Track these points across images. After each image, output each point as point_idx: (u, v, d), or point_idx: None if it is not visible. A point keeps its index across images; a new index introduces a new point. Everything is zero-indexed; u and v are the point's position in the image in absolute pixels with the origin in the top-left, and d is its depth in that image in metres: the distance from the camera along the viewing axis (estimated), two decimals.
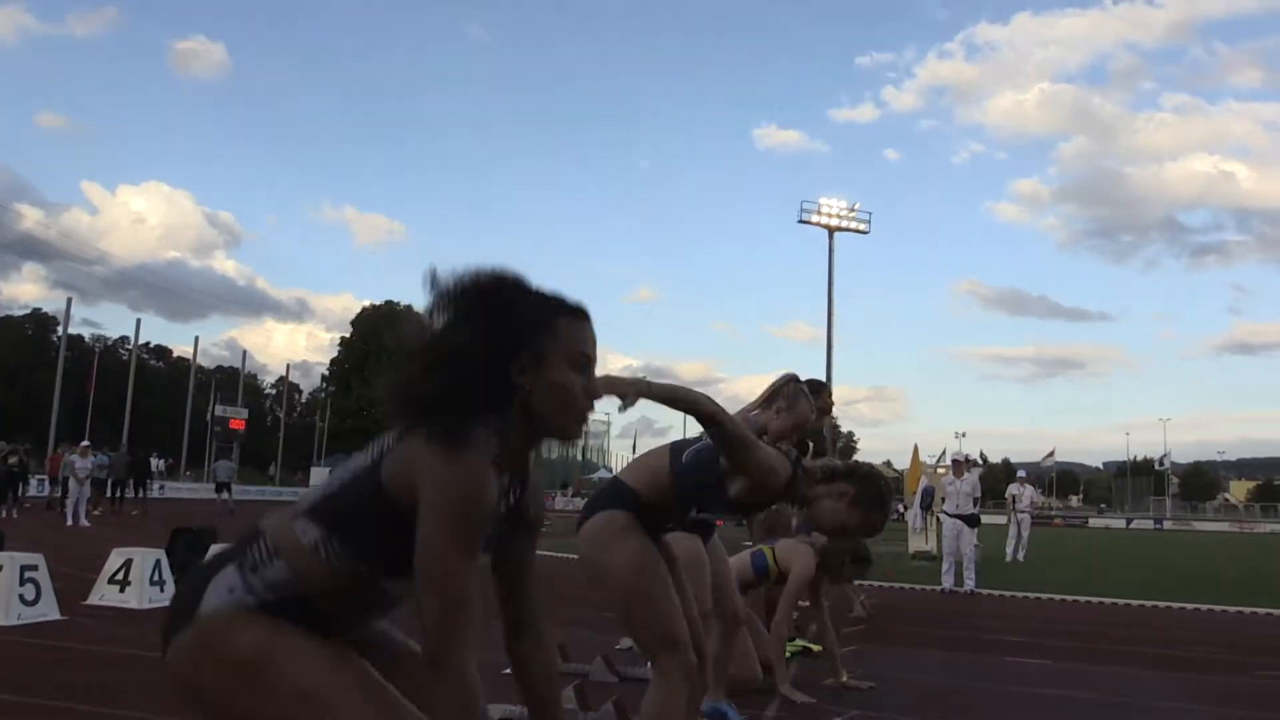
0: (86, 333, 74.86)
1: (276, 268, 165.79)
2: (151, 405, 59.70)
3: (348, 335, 73.06)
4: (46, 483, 24.11)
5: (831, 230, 43.73)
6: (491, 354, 1.67)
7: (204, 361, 67.45)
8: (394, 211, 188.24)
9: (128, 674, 4.94)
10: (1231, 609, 10.25)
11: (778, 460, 2.87)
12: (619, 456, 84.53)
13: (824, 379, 6.07)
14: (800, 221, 43.89)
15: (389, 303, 72.49)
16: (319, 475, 48.36)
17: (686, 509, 3.17)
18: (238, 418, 48.22)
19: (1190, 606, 10.47)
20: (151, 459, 29.14)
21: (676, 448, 3.13)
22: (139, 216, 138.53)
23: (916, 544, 16.17)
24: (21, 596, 6.20)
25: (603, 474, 75.95)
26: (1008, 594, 11.32)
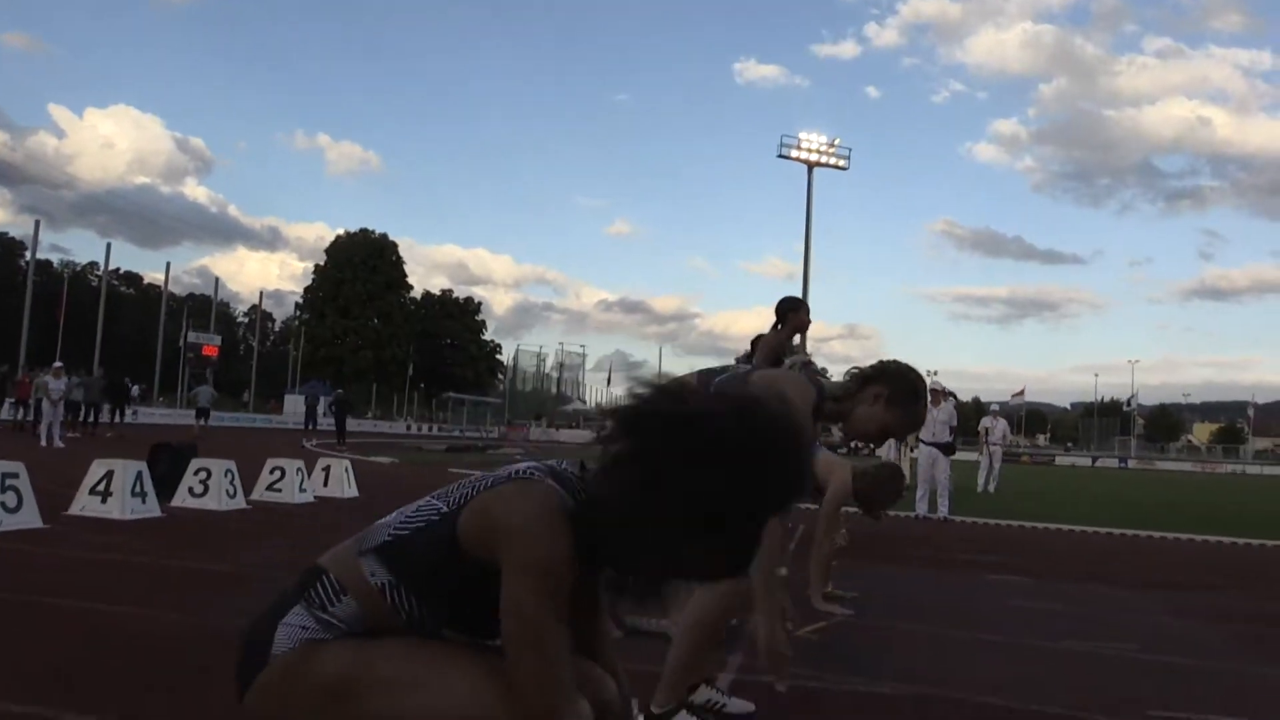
0: (55, 258, 73.70)
1: (249, 195, 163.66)
2: (122, 332, 58.96)
3: (322, 264, 72.17)
4: (19, 408, 23.84)
5: (811, 165, 43.50)
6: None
7: (175, 289, 66.59)
8: (368, 140, 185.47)
9: (115, 575, 4.95)
10: (1197, 537, 10.56)
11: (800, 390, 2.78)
12: (594, 389, 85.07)
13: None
14: (780, 156, 43.61)
15: (364, 231, 71.77)
16: (293, 403, 48.29)
17: None
18: (211, 344, 47.73)
19: (1157, 535, 10.73)
20: (127, 382, 28.89)
21: (704, 376, 3.10)
22: (107, 141, 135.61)
23: None
24: (3, 504, 6.17)
25: (577, 405, 76.41)
26: (980, 521, 11.54)
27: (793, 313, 5.97)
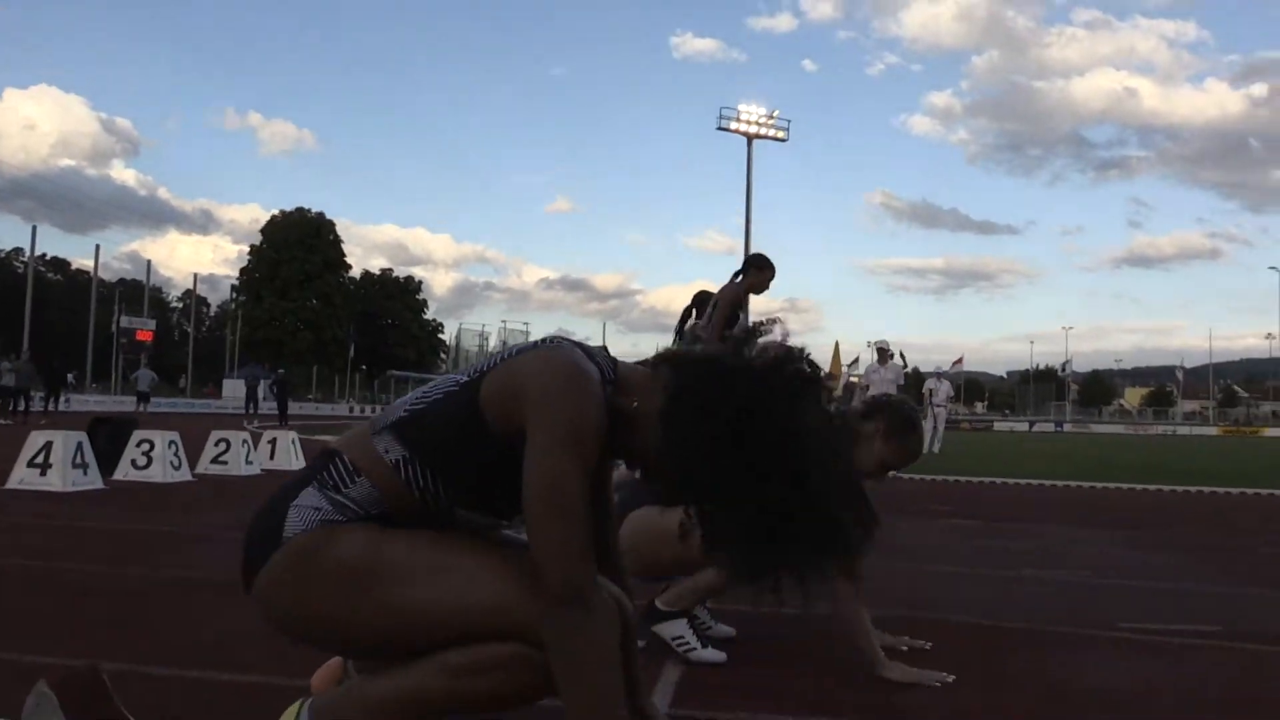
0: None
1: (179, 177, 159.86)
2: (51, 319, 57.39)
3: (257, 244, 70.67)
4: None
5: (750, 138, 43.52)
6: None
7: (105, 275, 64.84)
8: (302, 119, 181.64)
9: (66, 538, 4.81)
10: (1137, 486, 10.89)
11: None
12: None
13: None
14: (719, 129, 43.56)
15: (300, 210, 70.35)
16: (232, 387, 47.37)
17: None
18: (145, 329, 46.64)
19: (1096, 485, 11.02)
20: (56, 367, 28.00)
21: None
22: (29, 122, 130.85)
23: None
24: None
25: None
26: (928, 477, 11.72)
27: (757, 270, 5.98)
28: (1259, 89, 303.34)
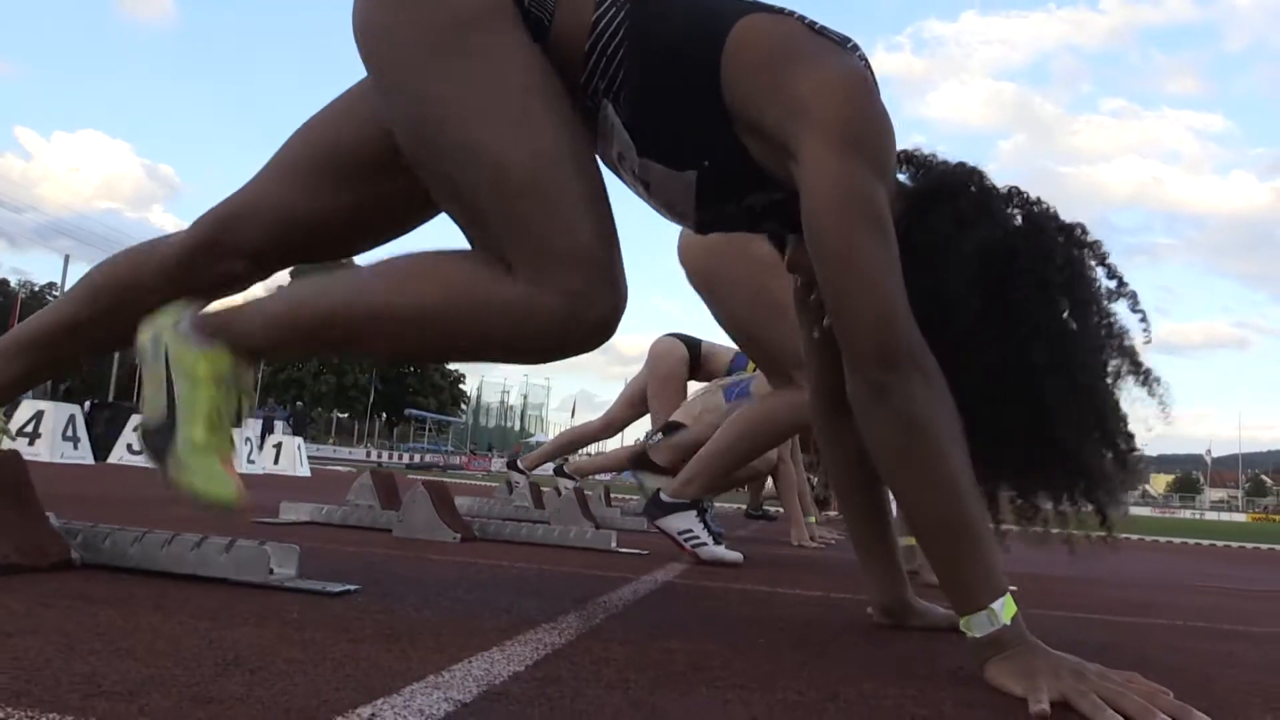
0: (14, 279, 72.35)
1: None
2: None
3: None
4: None
5: None
6: None
7: None
8: None
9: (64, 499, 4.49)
10: (1176, 540, 10.36)
11: None
12: (556, 426, 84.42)
13: None
14: None
15: None
16: (250, 426, 47.01)
17: None
18: None
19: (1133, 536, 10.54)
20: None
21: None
22: (75, 165, 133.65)
23: None
24: None
25: (541, 438, 75.70)
26: None
27: None
28: None
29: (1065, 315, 1.26)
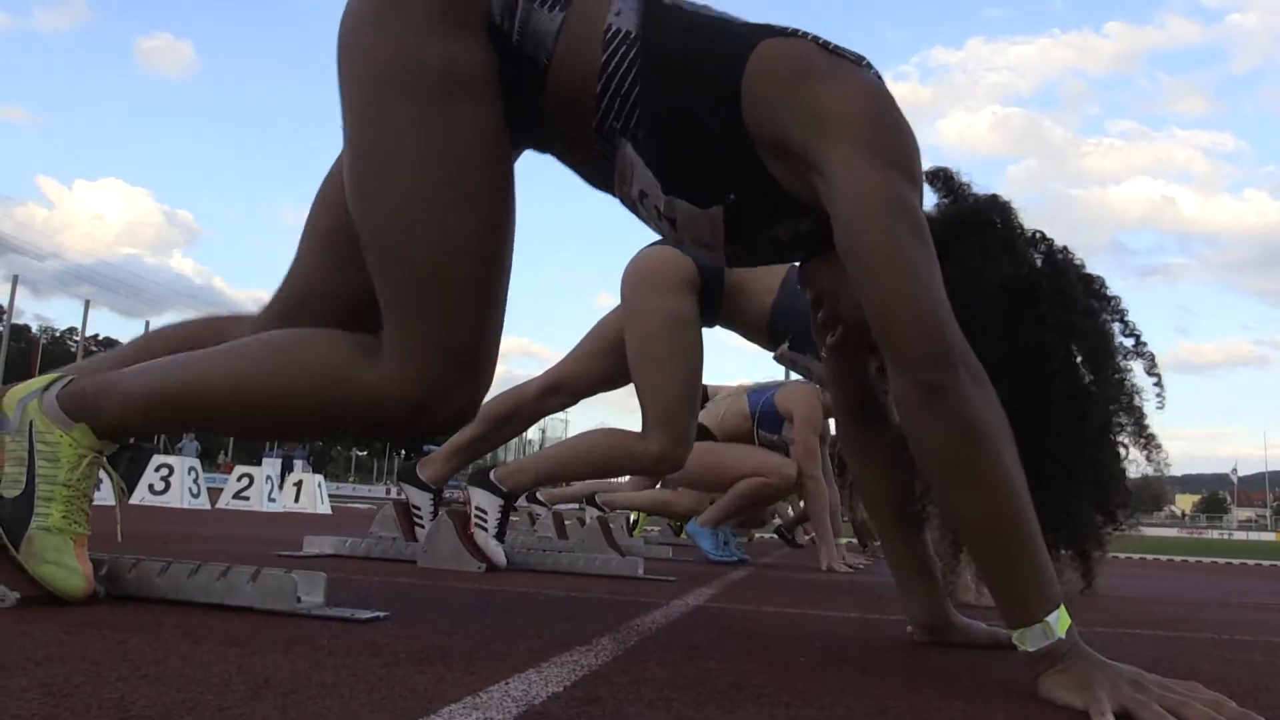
0: (35, 325, 73.21)
1: (235, 267, 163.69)
2: None
3: None
4: None
5: None
6: None
7: None
8: None
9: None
10: (1205, 559, 10.20)
11: None
12: None
13: None
14: None
15: None
16: (270, 465, 47.17)
17: None
18: None
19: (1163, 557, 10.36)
20: None
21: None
22: (96, 213, 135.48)
23: None
24: None
25: None
26: None
27: None
28: None
29: (1080, 363, 1.25)
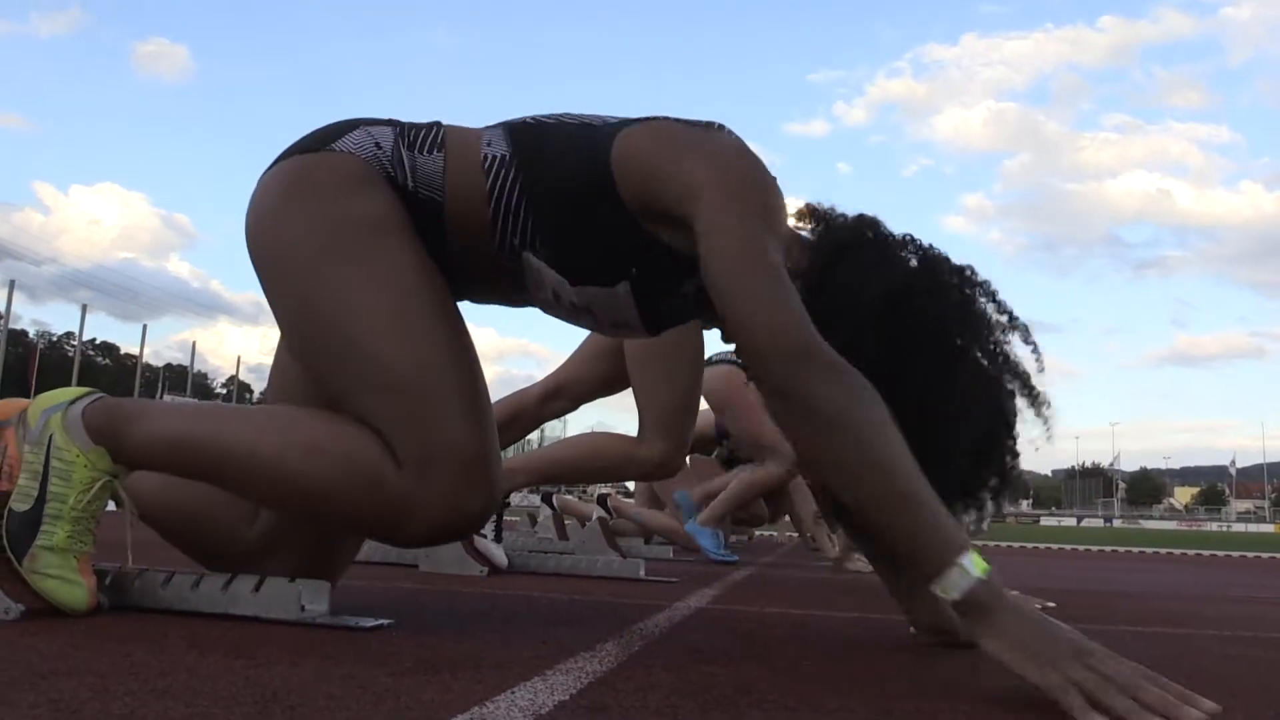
0: (32, 330, 73.09)
1: (233, 270, 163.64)
2: None
3: None
4: None
5: None
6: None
7: (155, 361, 66.00)
8: None
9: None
10: (1219, 553, 10.22)
11: None
12: None
13: None
14: None
15: None
16: None
17: None
18: None
19: (1164, 550, 10.38)
20: None
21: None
22: (93, 218, 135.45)
23: None
24: None
25: None
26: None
27: None
28: None
29: (959, 345, 1.35)
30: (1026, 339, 1.41)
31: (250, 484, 1.30)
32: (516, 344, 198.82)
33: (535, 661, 1.13)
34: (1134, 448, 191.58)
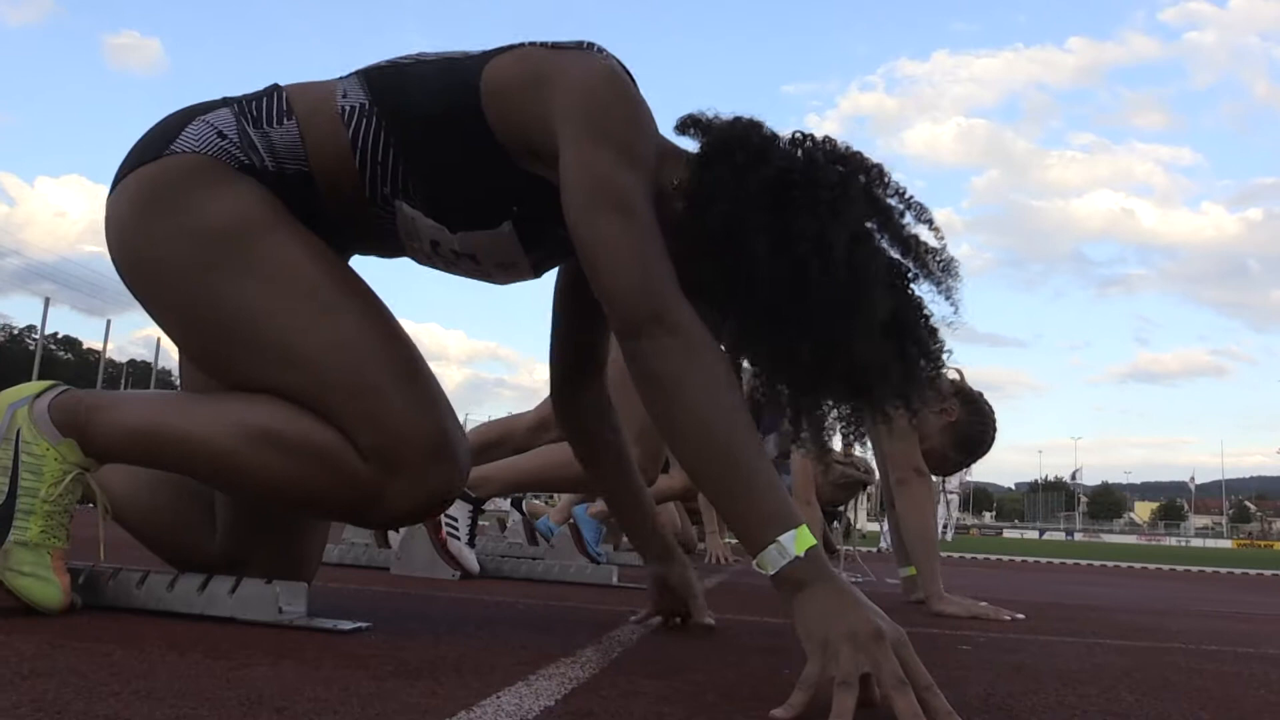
0: None
1: None
2: None
3: None
4: None
5: None
6: None
7: (119, 357, 65.01)
8: None
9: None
10: (1164, 566, 10.35)
11: None
12: None
13: None
14: None
15: None
16: None
17: None
18: None
19: (1131, 565, 10.52)
20: None
21: None
22: (59, 210, 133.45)
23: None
24: None
25: None
26: (945, 554, 11.22)
27: None
28: (1255, 213, 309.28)
29: (843, 232, 1.25)
30: (920, 217, 1.35)
31: (220, 476, 1.28)
32: (486, 346, 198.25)
33: (517, 667, 1.13)
34: (1095, 461, 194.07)
